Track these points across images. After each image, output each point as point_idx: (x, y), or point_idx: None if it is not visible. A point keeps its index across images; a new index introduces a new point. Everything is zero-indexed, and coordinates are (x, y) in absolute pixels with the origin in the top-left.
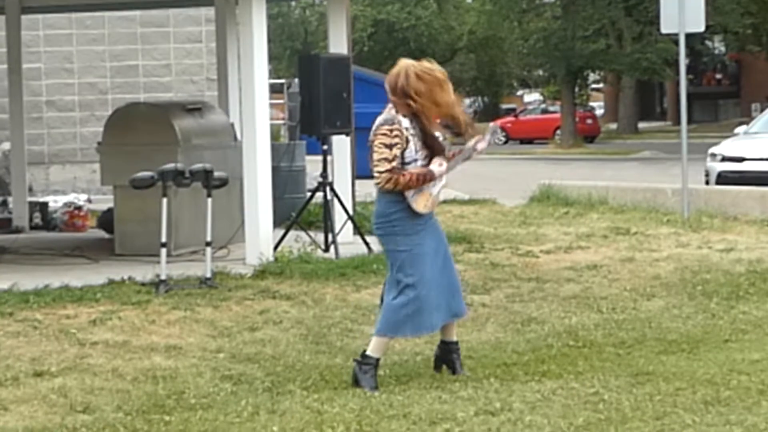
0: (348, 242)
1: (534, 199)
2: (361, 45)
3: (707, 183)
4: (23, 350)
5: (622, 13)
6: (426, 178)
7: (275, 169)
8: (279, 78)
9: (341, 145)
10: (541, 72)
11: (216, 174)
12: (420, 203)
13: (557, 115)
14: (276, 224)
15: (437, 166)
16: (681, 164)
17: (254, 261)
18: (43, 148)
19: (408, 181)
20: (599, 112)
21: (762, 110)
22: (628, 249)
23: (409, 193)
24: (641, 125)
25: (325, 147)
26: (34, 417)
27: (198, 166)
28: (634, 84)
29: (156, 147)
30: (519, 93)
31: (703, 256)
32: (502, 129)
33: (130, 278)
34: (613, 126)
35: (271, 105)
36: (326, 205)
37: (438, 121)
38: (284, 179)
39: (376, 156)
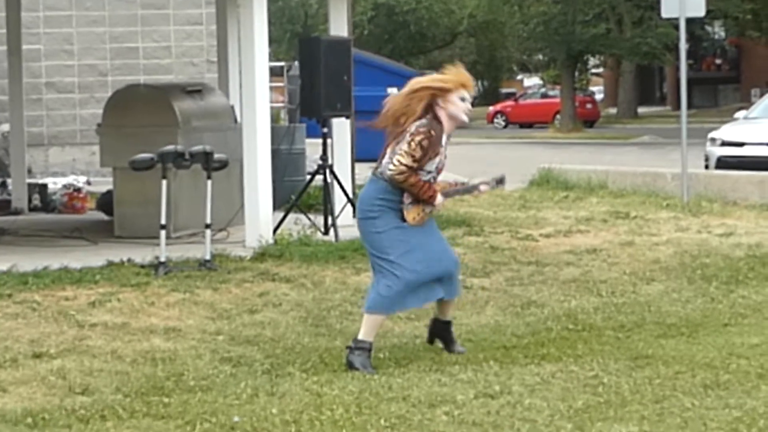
0: (348, 225)
1: (534, 183)
2: (362, 28)
3: (707, 168)
4: (22, 332)
5: None
6: (429, 196)
7: (275, 152)
8: (279, 61)
9: (341, 128)
10: (541, 56)
11: (216, 156)
12: (411, 214)
13: (557, 100)
14: (276, 207)
15: (441, 197)
16: (681, 149)
17: (254, 243)
18: (43, 129)
19: (417, 183)
20: (599, 96)
21: (762, 95)
22: (627, 233)
23: (407, 200)
24: (641, 110)
25: (325, 130)
26: (33, 398)
27: (198, 148)
28: (633, 69)
29: (156, 129)
30: (519, 77)
31: (703, 240)
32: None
33: (129, 260)
34: (613, 111)
35: (271, 88)
36: (326, 188)
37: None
38: (284, 162)
39: (406, 148)
